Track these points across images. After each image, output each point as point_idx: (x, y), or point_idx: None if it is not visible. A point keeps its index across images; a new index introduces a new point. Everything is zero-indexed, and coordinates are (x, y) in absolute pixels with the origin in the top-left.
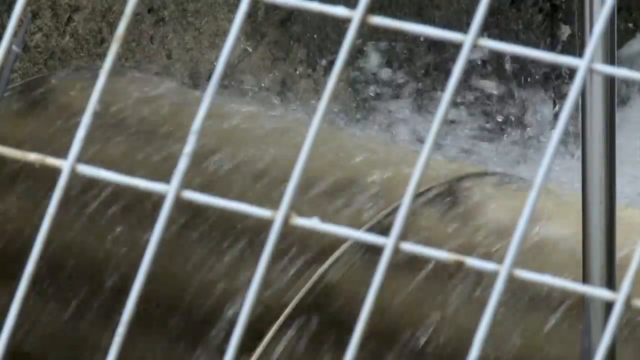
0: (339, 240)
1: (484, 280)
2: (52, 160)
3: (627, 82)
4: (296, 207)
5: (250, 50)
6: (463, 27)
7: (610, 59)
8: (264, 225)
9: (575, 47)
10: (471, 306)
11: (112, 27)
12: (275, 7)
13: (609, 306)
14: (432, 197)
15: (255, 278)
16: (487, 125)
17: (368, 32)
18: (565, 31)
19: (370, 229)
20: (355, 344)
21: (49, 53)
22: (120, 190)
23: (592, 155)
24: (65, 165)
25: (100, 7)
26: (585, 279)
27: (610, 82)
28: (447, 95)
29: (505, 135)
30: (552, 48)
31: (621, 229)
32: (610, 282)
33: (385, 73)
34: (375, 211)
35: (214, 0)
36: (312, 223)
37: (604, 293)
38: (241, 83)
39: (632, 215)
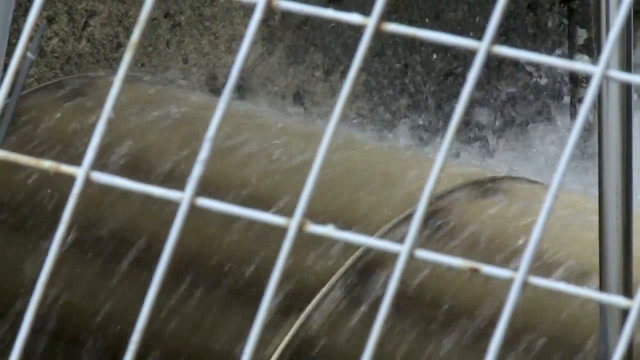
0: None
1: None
2: (66, 168)
3: None
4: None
5: (266, 54)
6: (479, 32)
7: (627, 65)
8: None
9: (592, 50)
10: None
11: (129, 31)
12: (292, 12)
13: (624, 313)
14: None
15: (269, 288)
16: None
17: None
18: (582, 35)
19: (384, 236)
20: None
21: (65, 58)
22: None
23: (609, 162)
24: (79, 172)
25: (116, 11)
26: (602, 286)
27: (626, 88)
28: (462, 102)
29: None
30: (569, 52)
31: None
32: (627, 289)
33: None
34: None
35: (230, 5)
36: (327, 230)
37: (619, 300)
38: (258, 87)
39: None
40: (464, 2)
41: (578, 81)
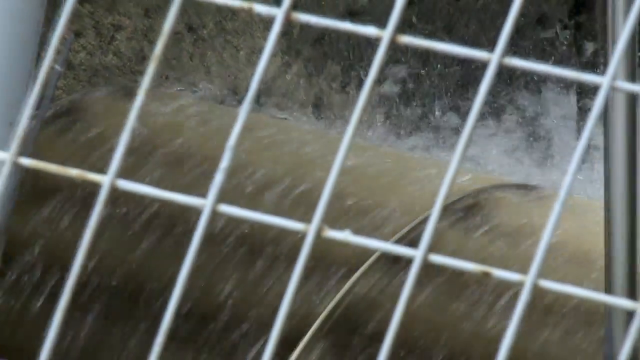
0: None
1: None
2: (92, 176)
3: None
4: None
5: (286, 66)
6: (491, 43)
7: (632, 76)
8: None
9: (599, 62)
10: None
11: (153, 45)
12: (310, 25)
13: (630, 315)
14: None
15: (290, 288)
16: None
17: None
18: (589, 47)
19: (399, 241)
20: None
21: (92, 71)
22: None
23: (615, 169)
24: (105, 180)
25: (141, 26)
26: (607, 289)
27: (632, 98)
28: (475, 109)
29: None
30: (577, 63)
31: None
32: (633, 292)
33: None
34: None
35: (251, 19)
36: (344, 235)
37: (625, 303)
38: (277, 98)
39: None
40: (476, 18)
41: (585, 92)
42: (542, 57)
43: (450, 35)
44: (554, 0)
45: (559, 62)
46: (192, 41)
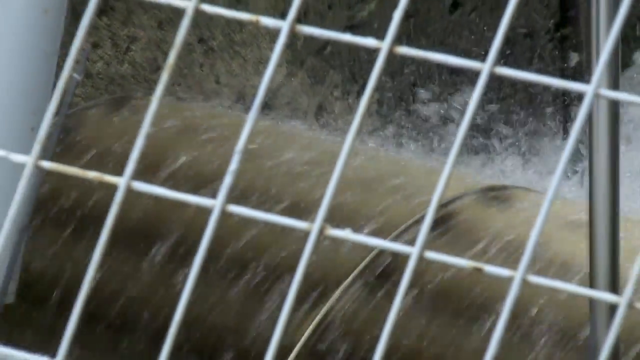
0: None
1: None
2: (109, 178)
3: None
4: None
5: (290, 76)
6: (483, 54)
7: (614, 84)
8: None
9: (583, 71)
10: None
11: (166, 55)
12: (313, 37)
13: (612, 308)
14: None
15: (293, 286)
16: None
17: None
18: (574, 58)
19: (396, 238)
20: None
21: (109, 79)
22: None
23: (598, 172)
24: (121, 182)
25: (155, 37)
26: (591, 284)
27: (614, 104)
28: (467, 118)
29: None
30: (562, 73)
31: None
32: (614, 287)
33: None
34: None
35: (258, 31)
36: (345, 234)
37: (609, 297)
38: (283, 105)
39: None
40: (468, 31)
41: (570, 100)
42: (530, 67)
43: (444, 46)
44: (540, 14)
45: (545, 72)
46: (202, 52)
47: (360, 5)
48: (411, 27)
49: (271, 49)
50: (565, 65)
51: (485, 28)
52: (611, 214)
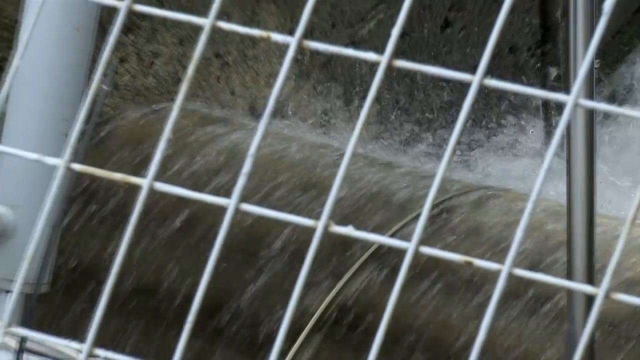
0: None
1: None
2: (134, 179)
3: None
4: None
5: (298, 87)
6: (470, 69)
7: (591, 95)
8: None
9: (561, 84)
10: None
11: (186, 69)
12: (318, 53)
13: (588, 299)
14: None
15: (300, 278)
16: None
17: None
18: (553, 72)
19: (394, 235)
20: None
21: (135, 91)
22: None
23: (576, 173)
24: (144, 183)
25: (176, 53)
26: (570, 276)
27: (590, 113)
28: (459, 124)
29: None
30: (542, 85)
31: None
32: (590, 280)
33: None
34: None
35: (269, 47)
36: (348, 230)
37: (587, 288)
38: (291, 114)
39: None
40: (458, 47)
41: (550, 109)
42: (514, 79)
43: (436, 61)
44: (523, 32)
45: (527, 84)
46: (218, 66)
47: (361, 24)
48: (407, 44)
49: (281, 64)
50: (546, 78)
51: (472, 45)
52: (588, 212)
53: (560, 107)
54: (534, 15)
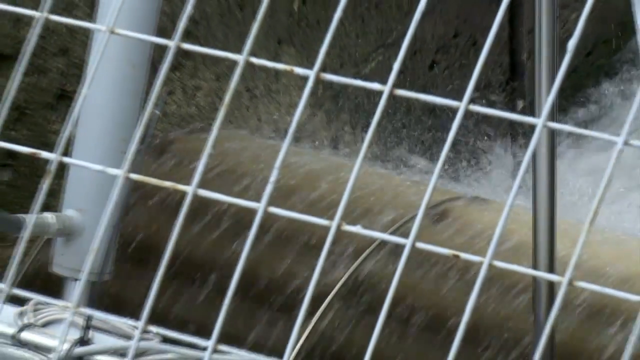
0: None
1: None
2: (181, 186)
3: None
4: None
5: (312, 115)
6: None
7: (555, 118)
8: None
9: (527, 114)
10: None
11: (222, 99)
12: (330, 85)
13: (551, 286)
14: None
15: (317, 267)
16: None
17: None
18: (520, 104)
19: (393, 233)
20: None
21: (180, 118)
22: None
23: (540, 185)
24: (189, 189)
25: (215, 87)
26: (535, 266)
27: (552, 132)
28: (447, 145)
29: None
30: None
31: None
32: (552, 270)
33: None
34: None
35: (289, 83)
36: (356, 229)
37: (553, 277)
38: (307, 137)
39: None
40: (442, 83)
41: (517, 132)
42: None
43: (425, 93)
44: (495, 72)
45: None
46: (248, 98)
47: (364, 64)
48: (401, 80)
49: (299, 96)
50: (515, 108)
51: (454, 81)
52: (549, 214)
53: (526, 132)
54: (505, 55)
